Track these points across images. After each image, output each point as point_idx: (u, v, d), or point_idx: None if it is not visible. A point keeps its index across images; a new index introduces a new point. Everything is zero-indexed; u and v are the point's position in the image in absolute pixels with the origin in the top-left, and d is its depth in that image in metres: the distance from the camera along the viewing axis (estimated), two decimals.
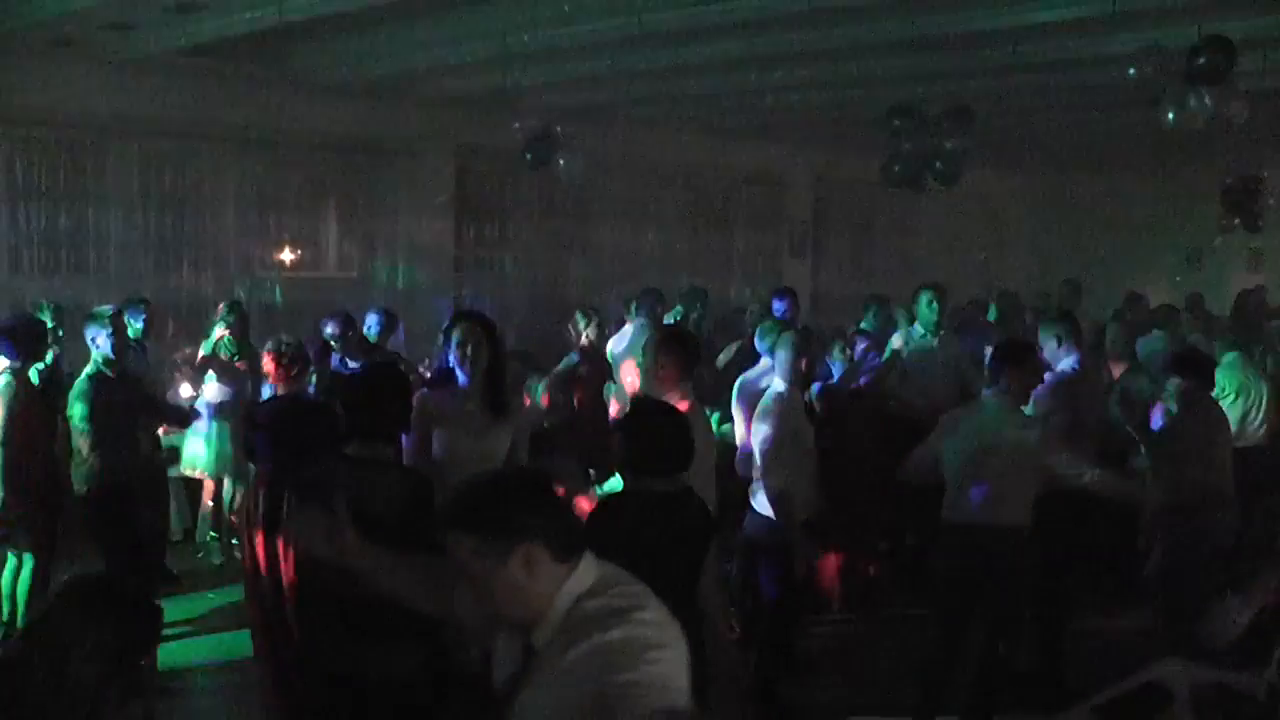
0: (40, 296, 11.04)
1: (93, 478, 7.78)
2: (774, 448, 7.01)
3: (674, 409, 5.23)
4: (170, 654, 7.86)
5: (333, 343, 10.15)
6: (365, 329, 10.73)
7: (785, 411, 7.11)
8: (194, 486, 10.78)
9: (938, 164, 12.74)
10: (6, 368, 7.88)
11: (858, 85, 12.73)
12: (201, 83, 12.37)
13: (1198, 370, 7.80)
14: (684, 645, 3.02)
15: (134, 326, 9.71)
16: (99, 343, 7.84)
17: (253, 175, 13.78)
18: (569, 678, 2.93)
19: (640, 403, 5.54)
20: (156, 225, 13.11)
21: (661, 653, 2.92)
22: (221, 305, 10.82)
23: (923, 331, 10.20)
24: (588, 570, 3.07)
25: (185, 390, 10.61)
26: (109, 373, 7.86)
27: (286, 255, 14.44)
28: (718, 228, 18.33)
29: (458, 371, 6.10)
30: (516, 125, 12.61)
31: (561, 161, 12.74)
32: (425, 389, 6.51)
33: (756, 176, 18.42)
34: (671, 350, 6.44)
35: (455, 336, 6.12)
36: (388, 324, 10.94)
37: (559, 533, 3.04)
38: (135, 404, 8.26)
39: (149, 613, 3.43)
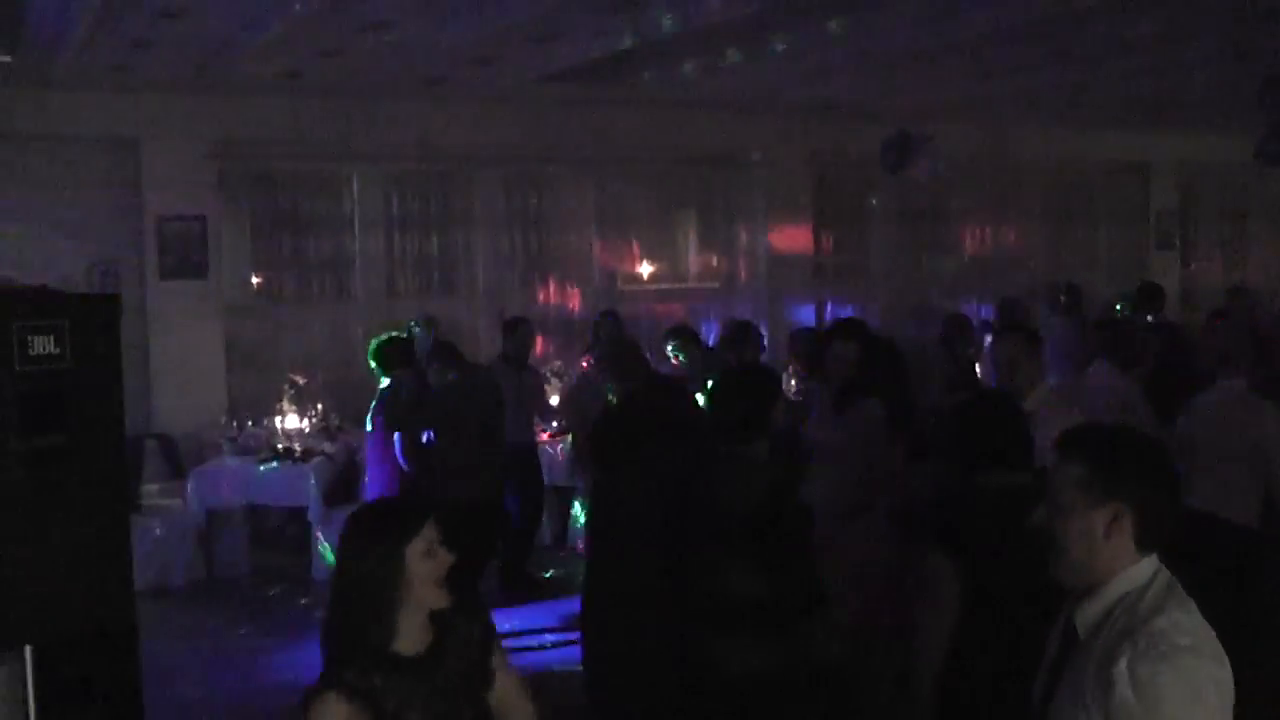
0: (413, 315, 11.78)
1: None
2: None
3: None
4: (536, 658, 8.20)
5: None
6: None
7: None
8: (564, 494, 11.18)
9: None
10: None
11: (1224, 62, 12.18)
12: (558, 106, 12.75)
13: None
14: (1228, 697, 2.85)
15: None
16: None
17: (611, 192, 14.15)
18: (1100, 682, 2.86)
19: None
20: (523, 246, 13.68)
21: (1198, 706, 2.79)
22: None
23: None
24: (1151, 569, 3.00)
25: (554, 401, 11.14)
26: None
27: (648, 268, 14.79)
28: (1080, 222, 17.80)
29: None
30: (873, 130, 12.60)
31: (918, 164, 12.64)
32: None
33: (1119, 167, 17.77)
34: None
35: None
36: (734, 334, 10.96)
37: (1154, 517, 2.98)
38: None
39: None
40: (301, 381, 11.03)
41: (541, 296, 13.74)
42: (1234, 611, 6.40)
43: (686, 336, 10.74)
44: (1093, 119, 15.89)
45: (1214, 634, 2.89)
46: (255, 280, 12.67)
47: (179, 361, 11.61)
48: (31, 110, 10.88)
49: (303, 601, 9.64)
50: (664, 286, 14.85)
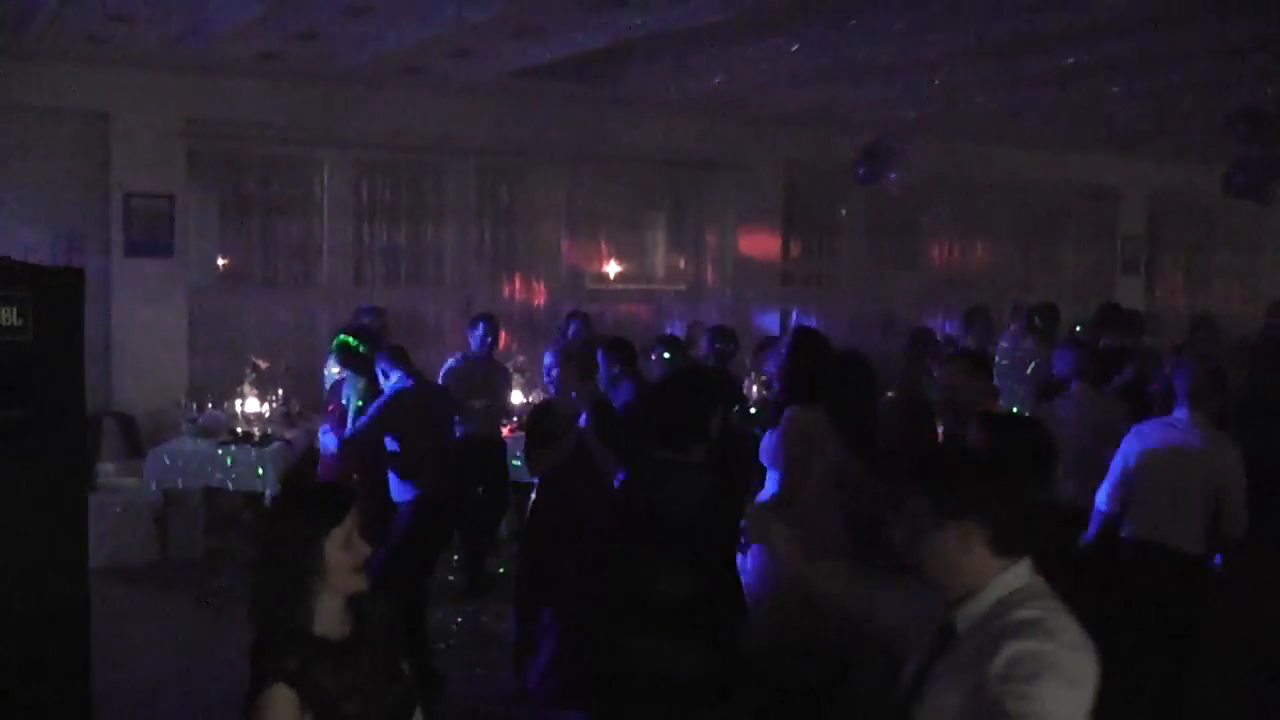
0: (379, 304, 11.70)
1: None
2: None
3: None
4: None
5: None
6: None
7: None
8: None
9: None
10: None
11: (1195, 91, 12.27)
12: (533, 103, 12.75)
13: None
14: (1091, 688, 2.99)
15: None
16: None
17: (582, 190, 14.11)
18: (976, 670, 2.99)
19: None
20: (491, 240, 13.63)
21: (1066, 690, 2.91)
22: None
23: None
24: (1028, 573, 3.14)
25: (518, 397, 11.09)
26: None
27: (615, 267, 14.78)
28: (1048, 243, 17.90)
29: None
30: (847, 140, 12.62)
31: (893, 177, 12.66)
32: None
33: (1089, 190, 17.88)
34: None
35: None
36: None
37: (1005, 528, 3.10)
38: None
39: None
40: (264, 366, 10.93)
41: (508, 291, 13.69)
42: (1179, 632, 6.56)
43: (678, 345, 10.71)
44: (1063, 142, 15.99)
45: (1081, 631, 3.04)
46: (221, 262, 12.59)
47: (141, 340, 11.52)
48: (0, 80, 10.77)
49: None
50: (630, 287, 14.85)
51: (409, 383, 8.11)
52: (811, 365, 6.62)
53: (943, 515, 3.12)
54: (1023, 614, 3.02)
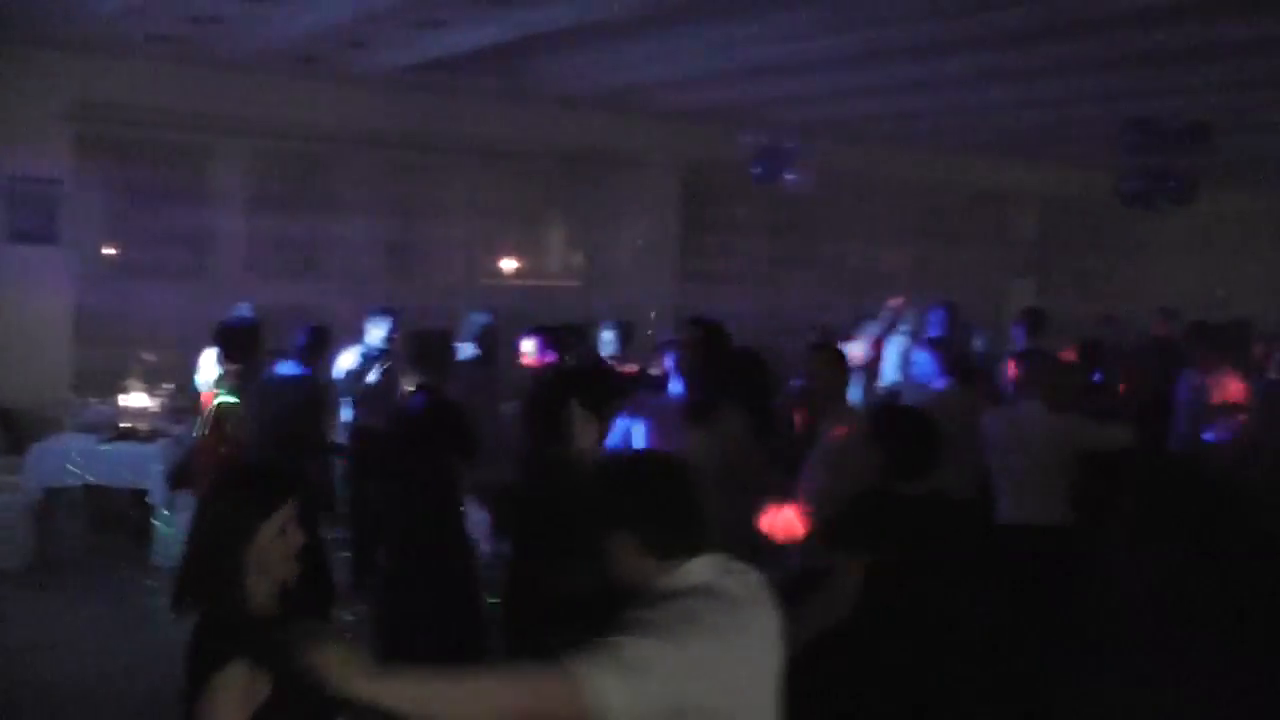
0: (275, 300, 11.50)
1: None
2: None
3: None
4: None
5: None
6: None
7: None
8: None
9: (1172, 182, 12.39)
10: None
11: (1090, 100, 12.45)
12: (433, 95, 12.63)
13: None
14: (719, 684, 3.01)
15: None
16: None
17: (481, 185, 14.01)
18: None
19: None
20: (386, 233, 13.48)
21: (673, 650, 2.94)
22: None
23: None
24: (694, 575, 3.17)
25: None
26: None
27: (512, 263, 14.69)
28: (942, 244, 18.08)
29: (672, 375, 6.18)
30: (745, 140, 12.64)
31: (789, 177, 12.70)
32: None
33: (984, 194, 18.11)
34: None
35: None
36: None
37: (654, 529, 3.17)
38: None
39: None
40: (152, 359, 10.70)
41: (404, 285, 13.52)
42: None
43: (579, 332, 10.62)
44: (958, 146, 16.16)
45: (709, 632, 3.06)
46: (109, 251, 12.33)
47: (23, 330, 11.21)
48: None
49: (147, 583, 9.33)
50: (528, 282, 14.77)
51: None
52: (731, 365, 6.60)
53: (600, 526, 3.27)
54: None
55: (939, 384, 8.10)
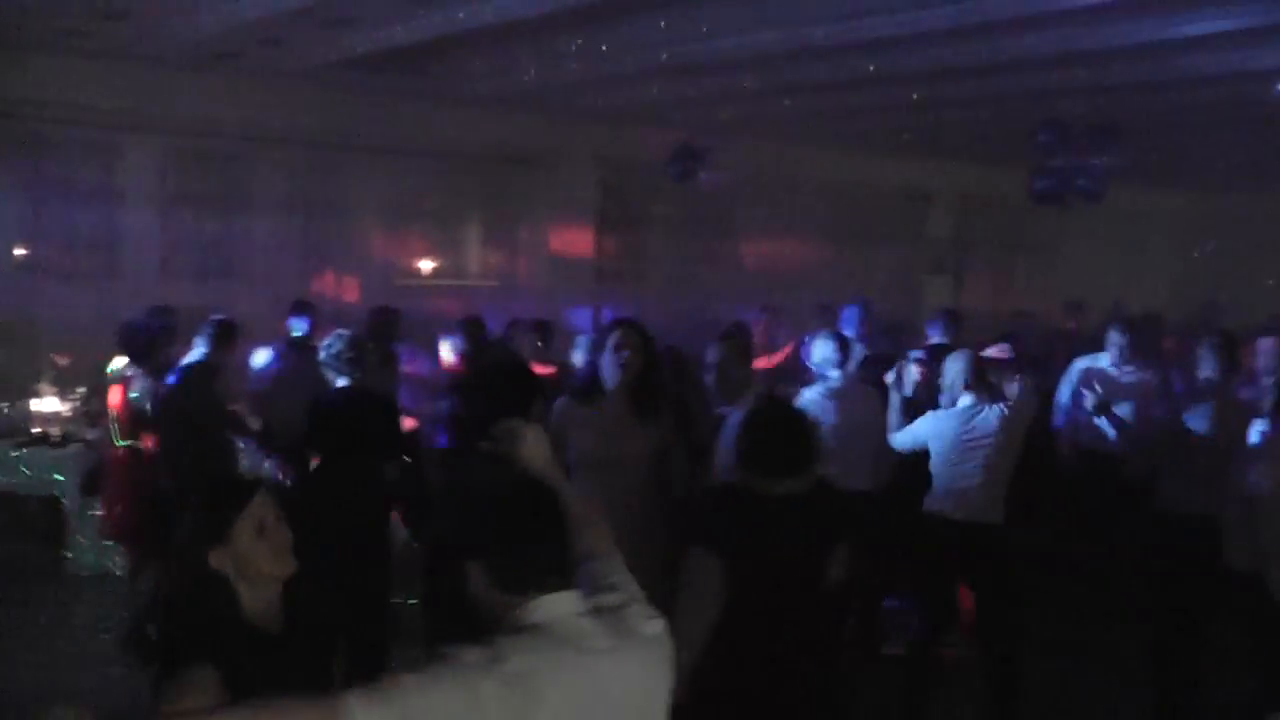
0: (190, 301, 11.32)
1: None
2: None
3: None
4: None
5: None
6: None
7: None
8: None
9: (1083, 181, 12.55)
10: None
11: (1002, 101, 12.58)
12: (350, 95, 12.53)
13: None
14: None
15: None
16: None
17: (397, 185, 13.93)
18: None
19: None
20: (303, 233, 13.34)
21: (461, 695, 2.76)
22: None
23: None
24: (542, 613, 3.00)
25: None
26: None
27: (429, 264, 14.60)
28: (858, 243, 18.20)
29: (607, 375, 6.13)
30: (661, 138, 12.65)
31: (704, 175, 12.73)
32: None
33: (899, 193, 18.25)
34: None
35: (612, 340, 6.16)
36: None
37: (501, 561, 3.07)
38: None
39: None
40: (63, 362, 10.51)
41: (320, 285, 13.40)
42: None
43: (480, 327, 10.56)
44: (875, 144, 16.26)
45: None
46: (18, 251, 12.09)
47: None
48: None
49: (55, 594, 9.16)
50: (444, 282, 14.69)
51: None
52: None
53: (455, 556, 3.21)
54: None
55: (836, 378, 8.15)
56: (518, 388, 5.30)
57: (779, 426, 4.86)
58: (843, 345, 8.32)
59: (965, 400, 7.27)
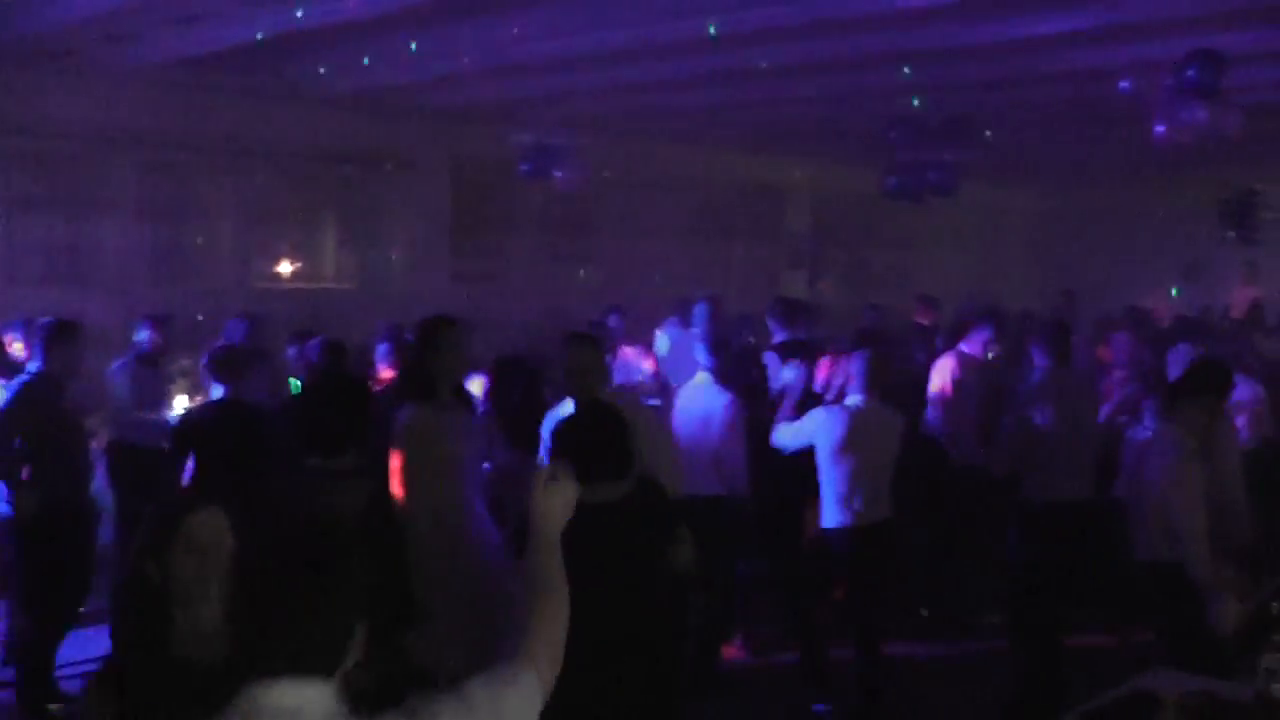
0: (35, 308, 10.99)
1: None
2: None
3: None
4: None
5: None
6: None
7: None
8: None
9: (935, 175, 12.74)
10: None
11: (856, 97, 12.73)
12: (199, 94, 12.34)
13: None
14: None
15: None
16: None
17: (251, 186, 13.73)
18: None
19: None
20: (153, 236, 13.07)
21: None
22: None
23: None
24: (272, 699, 2.35)
25: (181, 404, 10.60)
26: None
27: (285, 267, 14.40)
28: (717, 239, 18.33)
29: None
30: (514, 137, 12.60)
31: (559, 173, 12.70)
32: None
33: (756, 188, 18.43)
34: None
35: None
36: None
37: (241, 630, 2.46)
38: None
39: None
40: None
41: (172, 290, 13.12)
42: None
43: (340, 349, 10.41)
44: (732, 141, 16.38)
45: None
46: None
47: None
48: None
49: None
50: (302, 286, 14.48)
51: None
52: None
53: None
54: None
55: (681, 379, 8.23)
56: (348, 402, 5.22)
57: (590, 432, 4.81)
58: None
59: (855, 399, 7.31)
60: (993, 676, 7.68)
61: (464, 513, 6.12)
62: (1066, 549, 7.35)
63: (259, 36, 9.98)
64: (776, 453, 7.68)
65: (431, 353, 6.31)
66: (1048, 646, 7.41)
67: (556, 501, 3.14)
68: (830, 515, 7.27)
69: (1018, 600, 7.64)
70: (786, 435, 7.53)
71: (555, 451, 4.81)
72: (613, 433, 4.79)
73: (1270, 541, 7.43)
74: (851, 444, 7.17)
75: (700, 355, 8.13)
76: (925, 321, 13.50)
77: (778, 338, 9.79)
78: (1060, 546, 7.35)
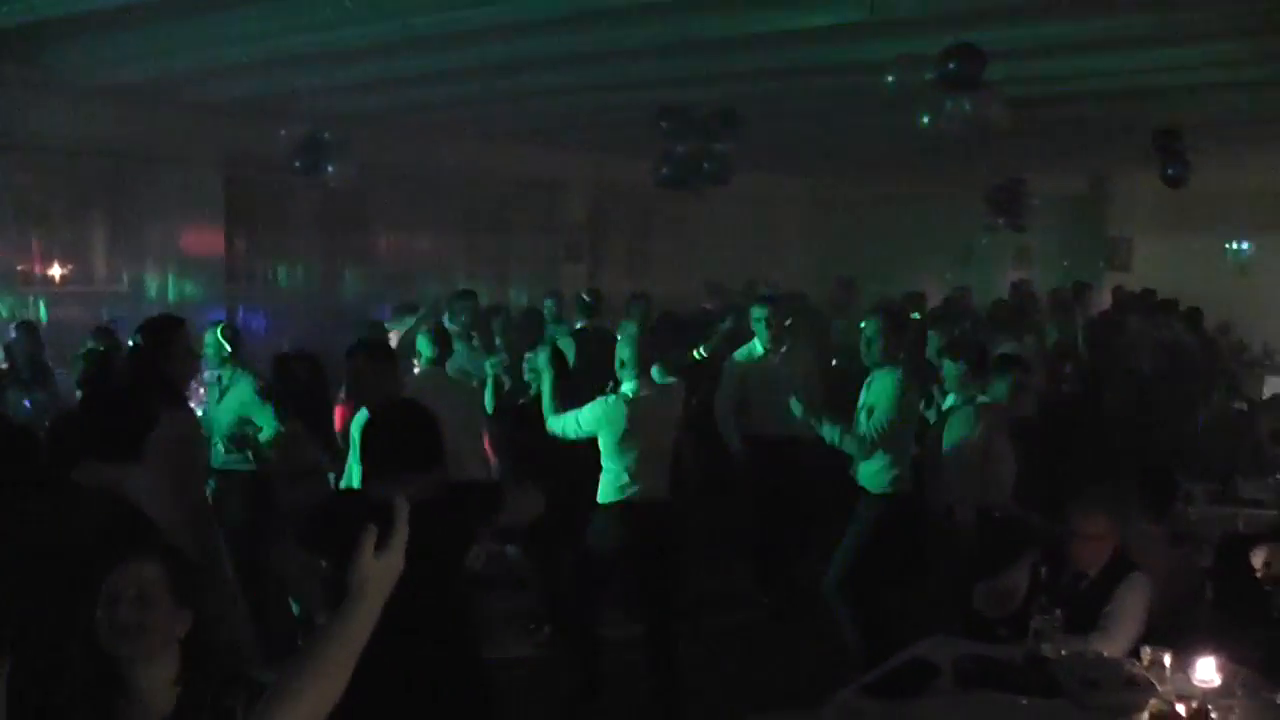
0: None
1: None
2: None
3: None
4: None
5: None
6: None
7: None
8: None
9: (707, 165, 12.93)
10: None
11: (625, 88, 12.87)
12: None
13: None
14: None
15: None
16: None
17: (12, 184, 13.32)
18: None
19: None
20: None
21: None
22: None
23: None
24: None
25: None
26: None
27: (54, 270, 13.97)
28: (495, 233, 18.39)
29: None
30: (283, 131, 12.43)
31: (331, 169, 12.56)
32: None
33: (533, 181, 18.53)
34: None
35: None
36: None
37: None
38: None
39: None
40: None
41: None
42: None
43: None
44: (506, 134, 16.42)
45: None
46: None
47: None
48: None
49: None
50: (71, 289, 14.08)
51: None
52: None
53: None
54: None
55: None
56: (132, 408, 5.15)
57: (385, 427, 4.74)
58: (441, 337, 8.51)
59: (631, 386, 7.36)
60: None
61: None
62: None
63: (9, 23, 9.70)
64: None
65: (164, 355, 6.19)
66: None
67: (383, 567, 2.59)
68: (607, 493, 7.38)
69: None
70: (563, 422, 7.52)
71: (364, 453, 4.74)
72: (418, 428, 4.69)
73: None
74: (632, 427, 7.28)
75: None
76: (712, 308, 14.17)
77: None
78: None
